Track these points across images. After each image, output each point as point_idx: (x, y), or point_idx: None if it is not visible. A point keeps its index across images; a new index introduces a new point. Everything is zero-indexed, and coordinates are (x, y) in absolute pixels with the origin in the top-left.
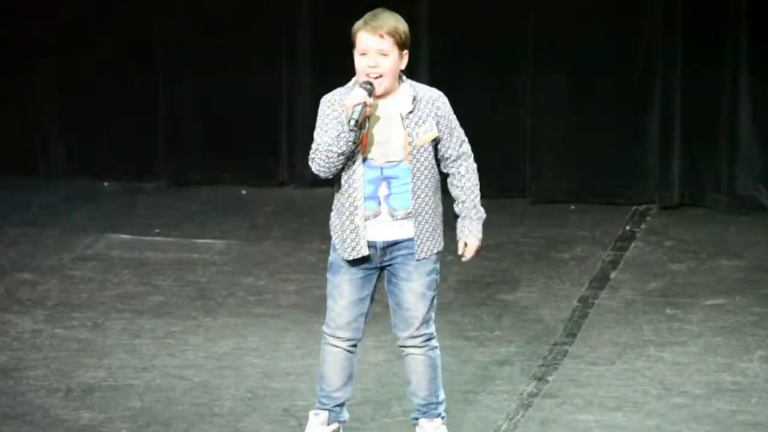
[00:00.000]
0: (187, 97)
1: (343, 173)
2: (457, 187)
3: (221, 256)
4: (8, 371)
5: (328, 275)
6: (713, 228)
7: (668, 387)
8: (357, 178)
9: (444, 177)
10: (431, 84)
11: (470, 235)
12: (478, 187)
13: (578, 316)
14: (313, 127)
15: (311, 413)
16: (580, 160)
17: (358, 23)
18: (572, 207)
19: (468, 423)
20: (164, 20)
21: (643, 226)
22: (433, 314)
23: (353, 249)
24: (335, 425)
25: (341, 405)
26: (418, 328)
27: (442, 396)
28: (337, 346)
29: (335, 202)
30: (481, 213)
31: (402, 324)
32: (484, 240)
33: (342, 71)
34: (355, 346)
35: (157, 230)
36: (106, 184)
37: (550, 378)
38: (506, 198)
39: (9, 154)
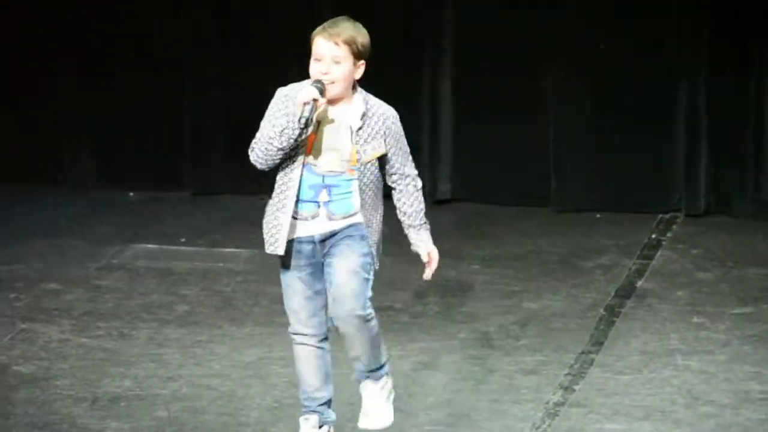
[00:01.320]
0: (212, 106)
1: (281, 171)
2: (400, 200)
3: (247, 265)
4: (35, 381)
5: (281, 277)
6: (740, 236)
7: (696, 396)
8: (293, 178)
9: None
10: (453, 91)
11: (429, 244)
12: (422, 205)
13: (604, 325)
14: None
15: (301, 419)
16: (605, 168)
17: (318, 29)
18: (598, 216)
19: None
20: (190, 32)
21: (669, 235)
22: (368, 296)
23: (271, 245)
24: (326, 428)
25: (326, 404)
26: (352, 309)
27: (383, 359)
28: (305, 344)
29: (271, 198)
30: (427, 223)
31: (334, 304)
32: (510, 248)
33: (364, 82)
34: (323, 341)
35: (182, 240)
36: (131, 194)
37: (576, 387)
38: (531, 207)
39: (35, 164)
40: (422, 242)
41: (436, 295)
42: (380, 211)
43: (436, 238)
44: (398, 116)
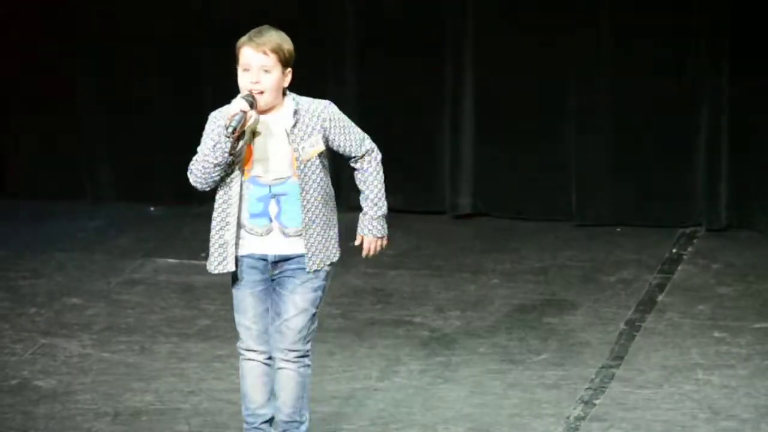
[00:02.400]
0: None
1: (220, 189)
2: (361, 181)
3: None
4: (57, 395)
5: (232, 290)
6: (761, 251)
7: (717, 411)
8: (233, 195)
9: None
10: (477, 109)
11: (369, 234)
12: (382, 181)
13: (625, 340)
14: None
15: None
16: (626, 182)
17: (243, 39)
18: (618, 230)
19: None
20: (211, 47)
21: (690, 249)
22: (311, 332)
23: (219, 264)
24: None
25: (268, 422)
26: (293, 343)
27: (306, 415)
28: (254, 360)
29: (213, 215)
30: (383, 209)
31: (277, 335)
32: (531, 262)
33: (384, 92)
34: (270, 359)
35: (203, 254)
36: (152, 208)
37: (597, 401)
38: (552, 221)
39: (56, 179)
40: (368, 231)
41: (456, 309)
42: (332, 224)
43: (457, 253)
44: (332, 103)
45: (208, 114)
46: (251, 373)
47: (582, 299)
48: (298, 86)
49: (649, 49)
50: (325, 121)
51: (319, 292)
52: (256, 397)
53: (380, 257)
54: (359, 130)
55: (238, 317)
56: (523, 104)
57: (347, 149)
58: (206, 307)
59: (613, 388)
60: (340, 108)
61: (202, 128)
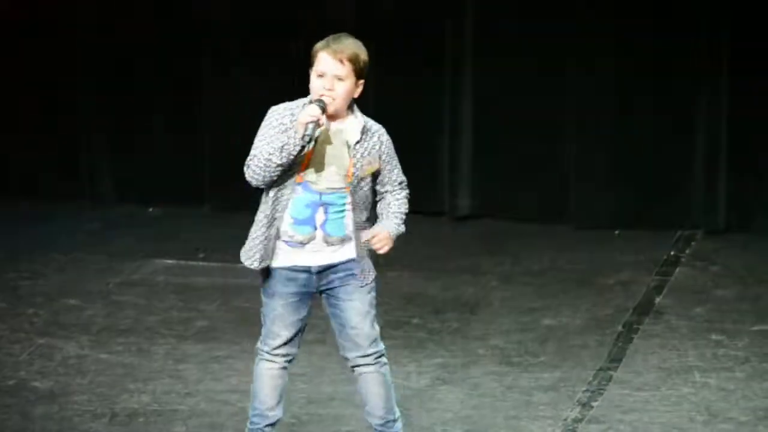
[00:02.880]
0: (232, 123)
1: (273, 187)
2: (387, 203)
3: None
4: (54, 396)
5: (263, 297)
6: (759, 253)
7: (714, 413)
8: (285, 195)
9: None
10: (474, 113)
11: (384, 228)
12: (407, 210)
13: (623, 342)
14: None
15: None
16: (625, 185)
17: (321, 44)
18: (616, 232)
19: None
20: (210, 48)
21: (688, 251)
22: (378, 330)
23: (255, 260)
24: None
25: (273, 425)
26: (369, 347)
27: (397, 413)
28: (273, 362)
29: (259, 216)
30: (401, 227)
31: (350, 344)
32: (529, 265)
33: (386, 95)
34: (290, 362)
35: (201, 255)
36: (151, 209)
37: (594, 404)
38: (550, 223)
39: (55, 180)
40: (381, 225)
41: (454, 311)
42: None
43: (456, 255)
44: (388, 135)
45: (206, 116)
46: (267, 374)
47: (580, 301)
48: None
49: (648, 52)
50: (383, 144)
51: (373, 293)
52: (267, 400)
53: (379, 258)
54: (401, 171)
55: (267, 322)
56: (523, 107)
57: (386, 178)
58: (204, 309)
59: (611, 390)
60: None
61: (201, 130)
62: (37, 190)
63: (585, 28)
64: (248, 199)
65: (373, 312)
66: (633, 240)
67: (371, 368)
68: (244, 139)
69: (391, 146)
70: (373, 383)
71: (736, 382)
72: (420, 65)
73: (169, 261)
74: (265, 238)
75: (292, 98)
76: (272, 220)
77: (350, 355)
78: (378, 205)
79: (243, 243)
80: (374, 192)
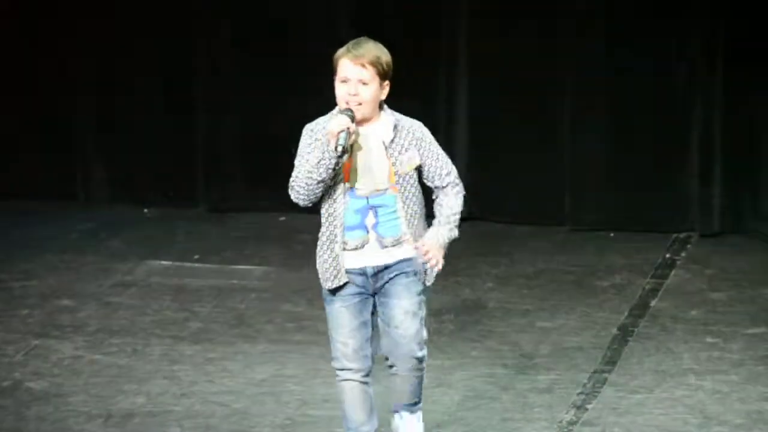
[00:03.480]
0: (226, 123)
1: (324, 203)
2: (440, 205)
3: (260, 282)
4: (48, 397)
5: (326, 307)
6: (754, 256)
7: (709, 416)
8: (338, 208)
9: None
10: (470, 109)
11: (434, 240)
12: (460, 211)
13: (618, 344)
14: None
15: None
16: (620, 187)
17: (341, 50)
18: (612, 235)
19: None
20: (205, 49)
21: (683, 254)
22: (425, 335)
23: (334, 278)
24: None
25: None
26: (411, 350)
27: (421, 395)
28: (351, 379)
29: (320, 232)
30: (454, 232)
31: (392, 344)
32: (524, 267)
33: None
34: (367, 375)
35: (196, 257)
36: (145, 210)
37: (589, 406)
38: (546, 225)
39: (49, 180)
40: (431, 236)
41: (450, 313)
42: (424, 232)
43: (451, 256)
44: (426, 128)
45: (201, 117)
46: (350, 394)
47: (575, 304)
48: (291, 88)
49: (643, 54)
50: (420, 140)
51: (423, 296)
52: (357, 416)
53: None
54: (448, 161)
55: (333, 334)
56: (517, 109)
57: (433, 173)
58: (199, 310)
59: (606, 392)
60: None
61: (196, 131)
62: (31, 191)
63: (579, 28)
64: (242, 200)
65: (421, 314)
66: (628, 242)
67: (409, 373)
68: (240, 139)
69: (430, 139)
70: (406, 384)
71: (731, 385)
72: (414, 67)
73: (164, 262)
74: (332, 260)
75: (285, 98)
76: (334, 237)
77: (391, 355)
78: (435, 204)
79: (237, 244)
80: (423, 186)
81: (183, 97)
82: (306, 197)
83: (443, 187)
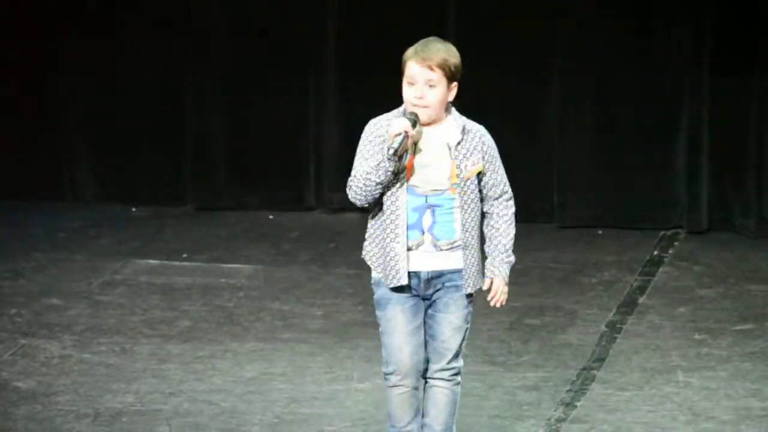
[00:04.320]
0: (214, 122)
1: (386, 199)
2: (493, 227)
3: (248, 280)
4: (37, 396)
5: (378, 313)
6: (741, 253)
7: (697, 412)
8: (400, 206)
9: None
10: (459, 110)
11: (498, 275)
12: (514, 231)
13: (606, 341)
14: (339, 153)
15: None
16: (608, 184)
17: (409, 51)
18: (600, 232)
19: None
20: (192, 47)
21: (671, 251)
22: (463, 348)
23: (393, 277)
24: None
25: None
26: (450, 361)
27: (454, 430)
28: (402, 386)
29: (372, 230)
30: (512, 258)
31: (434, 356)
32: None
33: (369, 96)
34: (419, 381)
35: (184, 255)
36: (134, 209)
37: (578, 403)
38: (533, 222)
39: (37, 179)
40: (499, 273)
41: None
42: (479, 243)
43: None
44: (491, 137)
45: (188, 115)
46: (398, 399)
47: (563, 301)
48: (280, 87)
49: (630, 54)
50: (485, 145)
51: (470, 308)
52: (402, 418)
53: (361, 258)
54: (504, 174)
55: (387, 339)
56: (504, 106)
57: (489, 182)
58: (187, 309)
59: (594, 389)
60: (324, 109)
61: (184, 129)
62: (19, 190)
63: (566, 30)
64: (230, 198)
65: (465, 326)
66: (616, 239)
67: (445, 383)
68: (227, 137)
69: (494, 147)
70: (442, 398)
71: (719, 381)
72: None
73: (152, 261)
74: (391, 258)
75: (272, 95)
76: (395, 237)
77: (432, 366)
78: (484, 223)
79: (225, 242)
80: (481, 194)
81: (171, 96)
82: (364, 198)
83: (496, 198)
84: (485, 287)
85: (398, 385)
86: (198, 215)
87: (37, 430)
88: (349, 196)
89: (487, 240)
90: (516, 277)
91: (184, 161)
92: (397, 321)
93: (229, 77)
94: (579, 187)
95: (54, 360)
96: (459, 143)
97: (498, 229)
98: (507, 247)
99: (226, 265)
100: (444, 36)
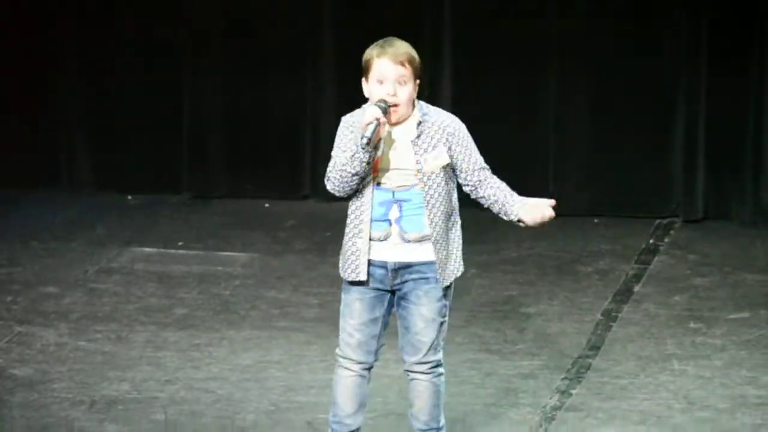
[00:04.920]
0: (210, 110)
1: (353, 196)
2: (485, 197)
3: (244, 269)
4: (33, 384)
5: (342, 294)
6: (737, 242)
7: (692, 401)
8: (365, 201)
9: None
10: (453, 97)
11: (523, 208)
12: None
13: (601, 330)
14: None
15: None
16: (604, 173)
17: (375, 51)
18: (596, 220)
19: None
20: (189, 36)
21: (666, 240)
22: (441, 341)
23: (352, 271)
24: None
25: None
26: (425, 354)
27: (442, 421)
28: (350, 369)
29: (346, 222)
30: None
31: (409, 348)
32: (508, 253)
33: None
34: (367, 370)
35: (180, 243)
36: (130, 197)
37: (573, 391)
38: None
39: (34, 167)
40: (523, 204)
41: None
42: (454, 238)
43: None
44: (462, 123)
45: (184, 104)
46: (344, 382)
47: (559, 289)
48: (276, 76)
49: (627, 42)
50: (450, 135)
51: (444, 301)
52: (346, 407)
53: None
54: (481, 159)
55: (342, 322)
56: (501, 95)
57: (464, 167)
58: (183, 296)
59: (590, 378)
60: (321, 102)
61: (180, 117)
62: (15, 178)
63: (563, 21)
64: (226, 186)
65: (440, 320)
66: (612, 228)
67: (425, 377)
68: (223, 126)
69: (462, 133)
70: (424, 391)
71: (714, 370)
72: None
73: (148, 249)
74: (352, 253)
75: (270, 85)
76: (358, 232)
77: (408, 359)
78: (481, 196)
79: (221, 230)
80: (454, 187)
81: (167, 84)
82: (341, 189)
83: (480, 180)
84: (524, 224)
85: (346, 368)
86: (194, 204)
87: (33, 418)
88: (328, 188)
89: (493, 203)
90: (512, 265)
91: (180, 150)
92: (354, 309)
93: (226, 66)
94: (575, 176)
95: (50, 347)
96: (418, 137)
97: (499, 187)
98: (512, 197)
99: (222, 254)
100: (441, 24)
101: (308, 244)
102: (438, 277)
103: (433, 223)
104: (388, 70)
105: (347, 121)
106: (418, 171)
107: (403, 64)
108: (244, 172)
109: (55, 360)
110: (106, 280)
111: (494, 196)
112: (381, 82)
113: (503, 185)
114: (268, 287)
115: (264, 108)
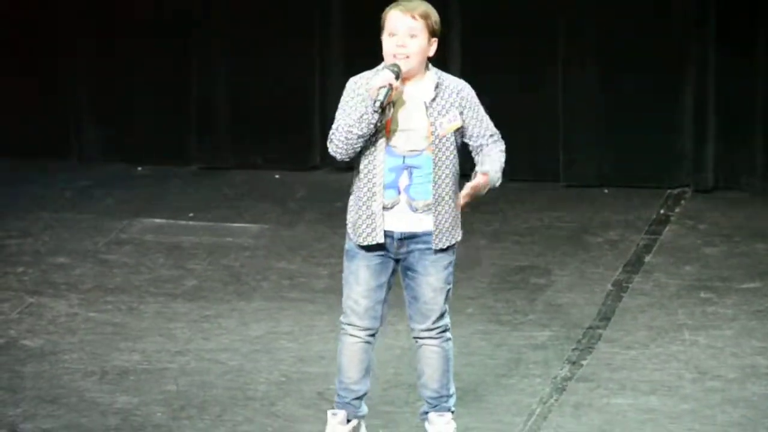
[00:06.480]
0: (220, 81)
1: (363, 158)
2: (485, 155)
3: (255, 240)
4: (44, 355)
5: (345, 262)
6: (748, 211)
7: (703, 371)
8: (378, 164)
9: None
10: (463, 68)
11: (487, 172)
12: (503, 160)
13: (612, 300)
14: None
15: (329, 413)
16: (614, 143)
17: (390, 6)
18: (606, 191)
19: (501, 407)
20: (199, 7)
21: (677, 210)
22: (448, 306)
23: (368, 235)
24: (355, 422)
25: (360, 398)
26: (435, 321)
27: (452, 389)
28: (355, 336)
29: (353, 187)
30: (498, 173)
31: (418, 317)
32: (518, 223)
33: (374, 54)
34: (373, 336)
35: (190, 214)
36: (139, 168)
37: (584, 362)
38: (539, 182)
39: (43, 138)
40: (485, 169)
41: None
42: (458, 203)
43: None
44: (472, 89)
45: (193, 74)
46: (350, 348)
47: (569, 260)
48: (284, 47)
49: (636, 10)
50: (463, 99)
51: (450, 268)
52: (351, 373)
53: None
54: (491, 124)
55: (347, 289)
56: (510, 66)
57: (474, 133)
58: (193, 267)
59: (600, 348)
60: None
61: (189, 88)
62: (25, 149)
63: None
64: (236, 157)
65: (447, 287)
66: (622, 198)
67: (434, 341)
68: (232, 97)
69: (474, 99)
70: (434, 357)
71: (725, 339)
72: None
73: (158, 220)
74: (368, 217)
75: (278, 55)
76: (372, 195)
77: (417, 326)
78: (476, 159)
79: (231, 201)
80: (461, 152)
81: (176, 55)
82: (345, 151)
83: (481, 146)
84: (473, 180)
85: (351, 335)
86: (203, 174)
87: (44, 388)
88: (330, 150)
89: (478, 165)
90: (521, 236)
91: (189, 120)
92: (360, 275)
93: (235, 36)
94: (585, 146)
95: (61, 318)
96: (434, 99)
97: (489, 155)
98: (496, 168)
99: (232, 225)
100: (448, 6)
101: (318, 215)
102: (434, 244)
103: (438, 186)
104: (399, 21)
105: (356, 82)
106: (432, 133)
107: (414, 17)
108: (253, 142)
109: (66, 331)
110: (116, 251)
111: (480, 158)
112: (392, 35)
113: (495, 152)
114: (278, 258)
115: (273, 79)
